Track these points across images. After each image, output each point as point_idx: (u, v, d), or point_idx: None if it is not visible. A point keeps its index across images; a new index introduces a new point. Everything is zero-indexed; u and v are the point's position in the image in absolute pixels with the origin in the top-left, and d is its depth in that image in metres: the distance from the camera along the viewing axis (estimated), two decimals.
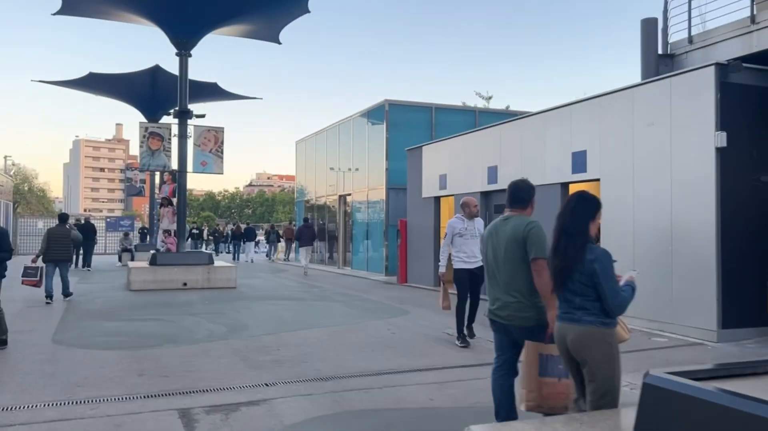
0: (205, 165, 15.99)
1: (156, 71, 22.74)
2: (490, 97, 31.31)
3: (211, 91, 24.55)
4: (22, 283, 11.27)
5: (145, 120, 25.98)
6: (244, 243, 28.08)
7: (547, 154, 11.22)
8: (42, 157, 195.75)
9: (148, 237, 27.98)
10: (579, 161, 10.45)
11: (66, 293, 12.32)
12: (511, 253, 4.09)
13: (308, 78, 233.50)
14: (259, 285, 16.13)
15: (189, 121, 15.81)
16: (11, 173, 64.92)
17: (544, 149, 11.32)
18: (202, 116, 15.91)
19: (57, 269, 12.14)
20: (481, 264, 7.56)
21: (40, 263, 11.58)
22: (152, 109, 25.04)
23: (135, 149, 30.55)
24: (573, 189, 11.19)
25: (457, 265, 7.80)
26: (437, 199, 15.35)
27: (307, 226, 20.65)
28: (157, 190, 26.50)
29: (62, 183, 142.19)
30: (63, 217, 12.92)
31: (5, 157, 45.05)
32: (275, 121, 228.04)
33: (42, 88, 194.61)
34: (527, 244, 4.02)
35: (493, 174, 12.82)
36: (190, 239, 27.76)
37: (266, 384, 5.92)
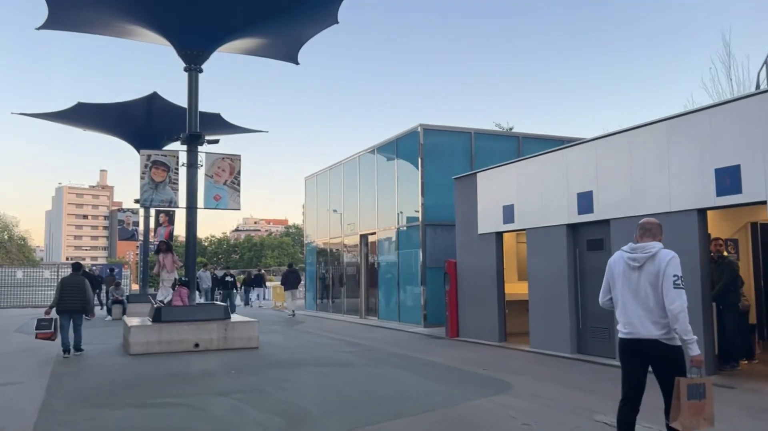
0: (219, 199, 13.41)
1: (153, 99, 20.31)
2: (510, 128, 29.19)
3: (214, 123, 22.13)
4: (36, 337, 11.24)
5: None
6: (253, 289, 28.84)
7: (674, 173, 8.81)
8: (24, 204, 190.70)
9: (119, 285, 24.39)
10: (728, 180, 8.04)
11: (78, 347, 11.56)
12: None
13: (305, 113, 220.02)
14: (284, 343, 13.37)
15: (200, 148, 13.30)
16: None
17: (667, 167, 8.91)
18: (216, 141, 13.42)
19: (72, 321, 11.46)
20: None
21: (54, 315, 11.38)
22: (148, 144, 22.42)
23: (119, 196, 27.98)
24: (715, 217, 8.78)
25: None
26: (499, 235, 12.85)
27: (292, 271, 22.13)
28: (152, 234, 23.78)
29: (44, 231, 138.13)
30: (76, 266, 12.25)
31: None
32: (269, 159, 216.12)
33: (24, 132, 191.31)
34: None
35: (586, 202, 10.37)
36: (220, 289, 23.90)
37: None
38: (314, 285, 24.66)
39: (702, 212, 8.46)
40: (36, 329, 11.19)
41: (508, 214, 12.32)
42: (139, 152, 23.51)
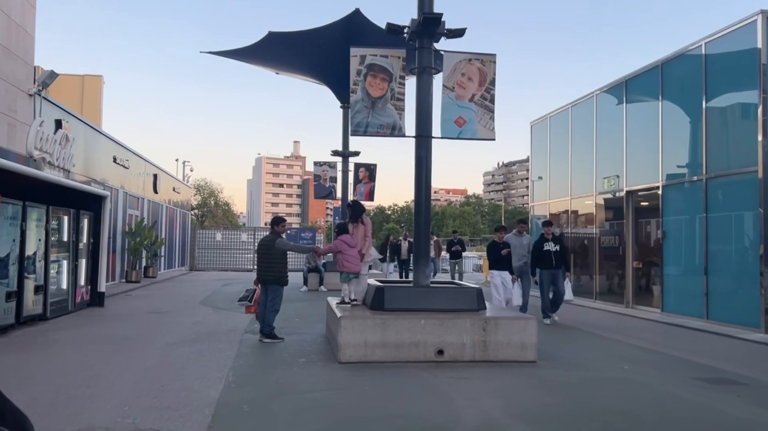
0: (463, 124, 8.63)
1: (352, 20, 16.18)
2: None
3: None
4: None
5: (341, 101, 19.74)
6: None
7: None
8: (227, 173, 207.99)
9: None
10: None
11: (264, 331, 8.68)
12: None
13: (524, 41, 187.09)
14: (571, 356, 8.33)
15: (435, 45, 8.60)
16: (196, 186, 64.92)
17: None
18: (461, 33, 8.59)
19: (266, 294, 8.86)
20: None
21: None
22: (347, 86, 18.59)
23: (310, 166, 24.28)
24: None
25: None
26: None
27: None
28: (350, 193, 20.03)
29: (245, 198, 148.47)
30: (275, 220, 9.35)
31: (184, 163, 42.66)
32: None
33: (228, 109, 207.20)
34: None
35: None
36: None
37: None
38: None
39: None
40: (238, 301, 9.47)
41: None
42: (337, 96, 19.87)
